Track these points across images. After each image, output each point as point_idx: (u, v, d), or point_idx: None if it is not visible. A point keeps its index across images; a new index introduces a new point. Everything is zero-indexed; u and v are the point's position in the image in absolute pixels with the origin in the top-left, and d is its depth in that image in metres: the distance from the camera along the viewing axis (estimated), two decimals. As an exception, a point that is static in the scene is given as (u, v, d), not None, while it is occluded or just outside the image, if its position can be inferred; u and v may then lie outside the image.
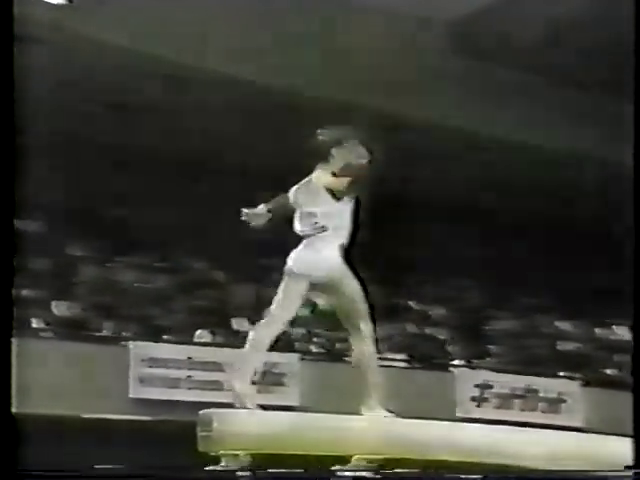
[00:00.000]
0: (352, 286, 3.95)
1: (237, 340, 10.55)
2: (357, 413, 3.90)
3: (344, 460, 3.61)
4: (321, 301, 13.90)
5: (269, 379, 9.56)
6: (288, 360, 9.84)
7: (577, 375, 12.37)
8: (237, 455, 3.49)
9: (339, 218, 3.88)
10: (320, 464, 3.60)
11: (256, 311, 12.53)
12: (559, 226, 14.92)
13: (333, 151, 3.90)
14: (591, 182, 13.93)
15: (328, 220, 3.86)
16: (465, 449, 3.69)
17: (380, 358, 12.31)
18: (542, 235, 15.19)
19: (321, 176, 3.88)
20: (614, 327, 15.00)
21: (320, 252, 3.88)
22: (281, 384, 9.70)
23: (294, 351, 10.30)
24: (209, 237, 12.53)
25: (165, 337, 10.18)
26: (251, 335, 3.98)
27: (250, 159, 13.40)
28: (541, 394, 11.65)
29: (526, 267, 15.00)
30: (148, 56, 11.15)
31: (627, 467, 3.49)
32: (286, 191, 4.00)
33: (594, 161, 13.62)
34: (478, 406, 11.18)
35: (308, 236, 3.91)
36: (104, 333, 9.92)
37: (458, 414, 10.49)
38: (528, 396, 11.58)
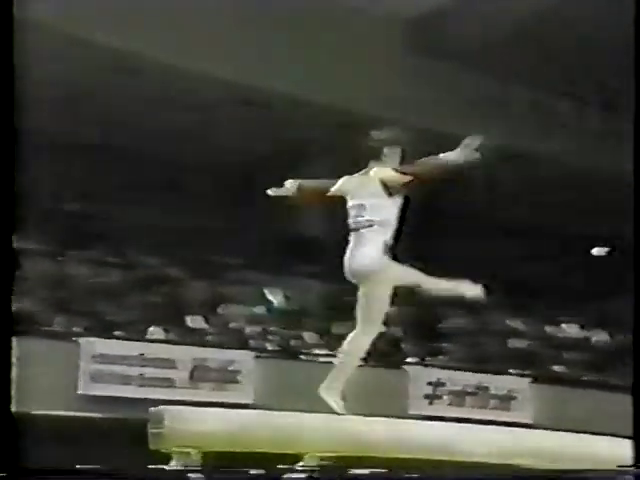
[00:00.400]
0: (384, 287, 4.12)
1: (192, 337, 10.52)
2: (311, 411, 3.90)
3: (297, 458, 3.60)
4: (277, 299, 13.92)
5: (223, 377, 9.51)
6: (243, 358, 9.80)
7: (527, 372, 12.55)
8: (188, 453, 3.46)
9: (387, 213, 3.99)
10: (273, 462, 3.58)
11: (211, 308, 12.51)
12: (508, 222, 15.13)
13: (386, 150, 4.08)
14: (545, 182, 14.15)
15: (376, 213, 3.97)
16: (417, 446, 3.71)
17: (334, 356, 12.31)
18: (492, 232, 15.37)
19: (380, 170, 4.01)
20: (563, 325, 15.26)
21: (363, 249, 4.00)
22: (235, 382, 9.65)
23: (249, 349, 10.26)
24: (164, 233, 12.42)
25: (117, 333, 10.05)
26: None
27: (210, 157, 13.33)
28: (492, 391, 11.79)
29: (478, 264, 15.15)
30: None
31: (621, 466, 3.54)
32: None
33: (547, 160, 13.85)
34: (431, 404, 11.27)
35: (355, 230, 4.03)
36: (54, 328, 9.76)
37: (411, 412, 10.56)
38: (479, 393, 11.70)
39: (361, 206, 3.99)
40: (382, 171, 4.01)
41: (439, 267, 4.57)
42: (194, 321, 10.86)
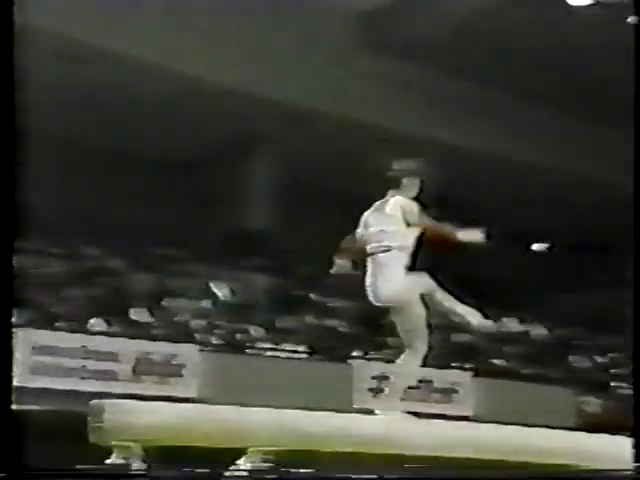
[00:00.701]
0: (416, 308, 4.34)
1: (135, 330, 10.36)
2: (256, 405, 3.88)
3: (240, 453, 3.57)
4: (223, 293, 13.80)
5: (167, 370, 9.40)
6: (187, 351, 9.70)
7: (468, 366, 12.73)
8: (129, 447, 3.41)
9: (405, 240, 4.23)
10: (216, 457, 3.55)
11: (156, 301, 12.34)
12: (447, 217, 15.26)
13: (405, 181, 4.33)
14: (483, 177, 14.33)
15: (395, 239, 4.21)
16: (361, 440, 3.72)
17: (281, 350, 12.27)
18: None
19: (398, 200, 4.27)
20: (504, 319, 15.51)
21: (385, 276, 4.24)
22: (179, 375, 9.55)
23: (193, 342, 10.17)
24: (107, 224, 12.22)
25: (58, 325, 9.85)
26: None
27: (160, 148, 13.17)
28: (435, 385, 11.91)
29: (421, 258, 15.28)
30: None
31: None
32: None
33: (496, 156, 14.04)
34: (375, 397, 11.33)
35: (374, 254, 4.25)
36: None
37: (355, 405, 10.61)
38: (422, 387, 11.81)
39: (381, 232, 4.23)
40: (399, 201, 4.24)
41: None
42: (138, 314, 10.71)
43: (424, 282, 4.35)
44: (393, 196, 4.33)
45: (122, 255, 12.27)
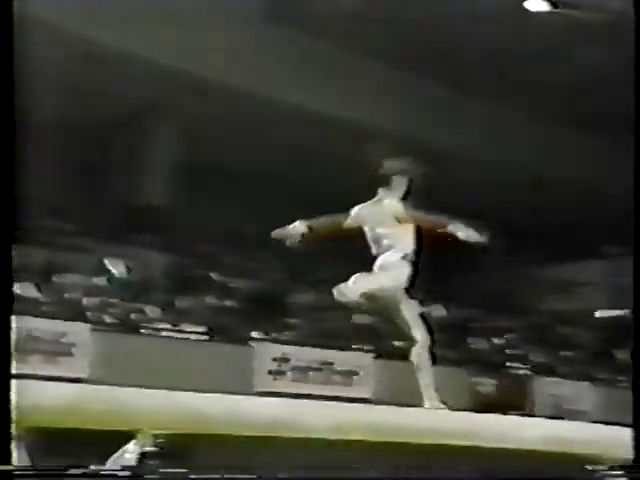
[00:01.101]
0: (407, 301, 4.66)
1: (22, 306, 10.02)
2: (150, 387, 3.82)
3: (131, 435, 3.51)
4: (118, 270, 13.50)
5: (56, 349, 9.17)
6: (78, 330, 9.47)
7: (370, 348, 12.93)
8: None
9: (404, 237, 4.57)
10: (105, 439, 3.48)
11: (45, 276, 11.94)
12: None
13: (395, 179, 4.62)
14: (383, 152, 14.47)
15: (395, 239, 4.56)
16: (257, 423, 3.72)
17: (179, 331, 12.11)
18: (333, 208, 15.62)
19: (389, 202, 4.58)
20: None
21: (388, 271, 4.58)
22: (69, 354, 9.32)
23: (85, 321, 9.93)
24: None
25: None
26: (411, 358, 4.76)
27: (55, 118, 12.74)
28: (336, 367, 12.05)
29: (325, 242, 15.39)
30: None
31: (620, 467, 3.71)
32: None
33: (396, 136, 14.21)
34: (275, 380, 11.38)
35: (380, 255, 4.63)
36: None
37: (256, 388, 10.63)
38: (324, 369, 11.94)
39: (381, 234, 4.59)
40: (391, 203, 4.58)
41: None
42: (24, 288, 10.36)
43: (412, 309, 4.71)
44: (383, 197, 4.64)
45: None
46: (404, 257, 4.59)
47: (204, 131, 13.35)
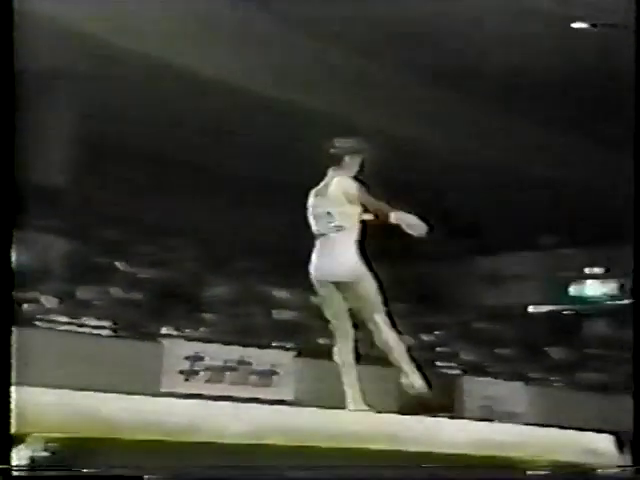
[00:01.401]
0: (369, 282, 4.66)
1: None
2: (44, 385, 3.70)
3: (21, 439, 3.39)
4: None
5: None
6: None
7: (290, 345, 12.92)
8: None
9: (352, 218, 4.66)
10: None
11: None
12: (282, 189, 15.44)
13: (347, 158, 4.74)
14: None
15: (344, 219, 4.64)
16: (164, 427, 3.64)
17: (79, 324, 11.86)
18: (256, 198, 15.61)
19: (339, 181, 4.70)
20: (313, 299, 15.85)
21: (337, 254, 4.64)
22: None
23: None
24: None
25: None
26: (335, 356, 4.85)
27: None
28: (254, 366, 12.00)
29: (243, 229, 15.35)
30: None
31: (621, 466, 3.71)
32: None
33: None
34: (187, 380, 11.26)
35: (324, 235, 4.66)
36: None
37: (165, 389, 10.50)
38: (240, 368, 11.87)
39: (329, 213, 4.66)
40: (340, 182, 4.70)
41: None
42: None
43: (373, 288, 4.70)
44: (334, 176, 4.73)
45: None
46: (355, 243, 4.67)
47: (109, 109, 13.10)
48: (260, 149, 14.80)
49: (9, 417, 3.19)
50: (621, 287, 20.17)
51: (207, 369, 11.52)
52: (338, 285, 4.67)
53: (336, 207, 4.65)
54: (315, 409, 4.33)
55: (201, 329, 12.93)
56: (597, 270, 20.56)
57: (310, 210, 4.76)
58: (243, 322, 13.69)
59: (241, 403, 4.31)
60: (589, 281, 20.65)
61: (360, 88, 14.24)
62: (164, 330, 12.12)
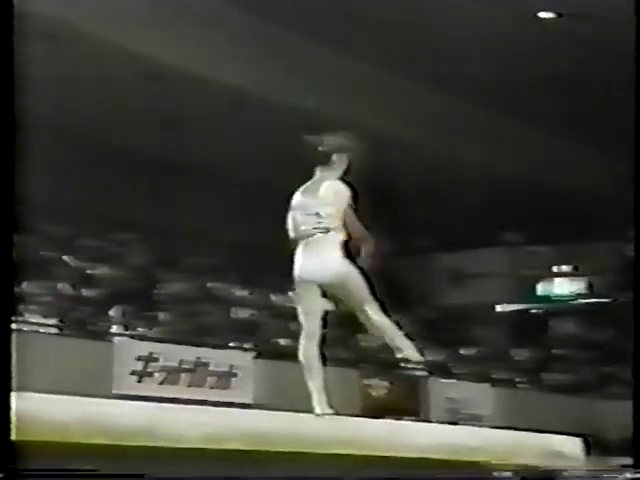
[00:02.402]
0: (356, 279, 4.78)
1: None
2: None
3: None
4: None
5: None
6: None
7: (250, 346, 12.89)
8: None
9: (338, 219, 4.73)
10: None
11: None
12: (242, 185, 15.41)
13: (334, 157, 4.80)
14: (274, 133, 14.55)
15: (332, 220, 4.72)
16: (113, 431, 3.61)
17: (23, 322, 11.70)
18: (223, 191, 15.55)
19: (328, 180, 4.78)
20: (290, 293, 15.83)
21: (323, 255, 4.74)
22: None
23: None
24: None
25: None
26: (299, 357, 4.83)
27: None
28: (211, 367, 11.95)
29: (201, 225, 15.29)
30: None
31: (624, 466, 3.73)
32: None
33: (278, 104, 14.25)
34: (139, 381, 11.18)
35: (309, 236, 4.75)
36: None
37: (115, 391, 10.41)
38: (197, 370, 11.81)
39: (317, 214, 4.74)
40: (330, 183, 4.79)
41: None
42: None
43: (361, 284, 4.83)
44: (323, 175, 4.81)
45: None
46: (341, 244, 4.78)
47: (64, 90, 12.95)
48: (222, 144, 14.74)
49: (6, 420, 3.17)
50: (589, 285, 20.40)
51: (162, 370, 11.45)
52: (323, 286, 4.78)
53: (325, 208, 4.73)
54: (275, 412, 4.32)
55: (155, 328, 12.85)
56: (565, 268, 20.75)
57: (296, 209, 4.81)
58: (200, 321, 13.63)
59: (198, 406, 4.29)
60: (557, 279, 20.84)
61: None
62: (115, 329, 12.03)
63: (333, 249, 4.73)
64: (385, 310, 4.90)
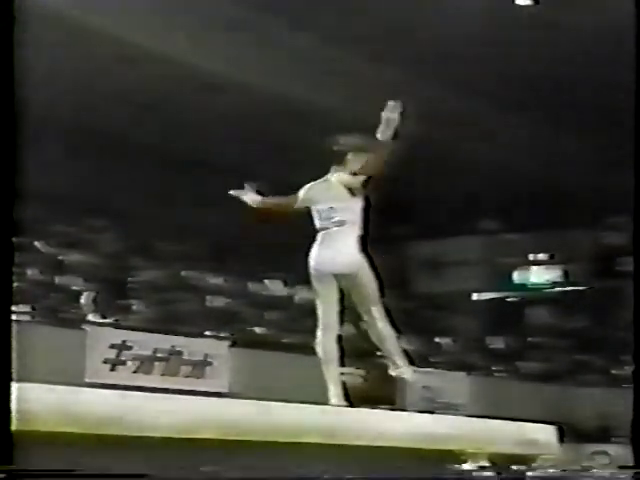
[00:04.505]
0: (368, 275, 4.98)
1: None
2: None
3: None
4: None
5: None
6: None
7: (225, 335, 12.88)
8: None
9: (354, 212, 4.93)
10: None
11: None
12: (220, 171, 15.35)
13: (349, 156, 4.96)
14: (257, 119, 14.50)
15: (346, 213, 4.91)
16: (89, 420, 3.61)
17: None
18: (197, 179, 15.49)
19: (340, 176, 4.96)
20: (266, 281, 15.83)
21: (338, 247, 4.91)
22: None
23: None
24: None
25: None
26: (317, 349, 5.03)
27: None
28: (186, 356, 11.94)
29: (175, 211, 15.23)
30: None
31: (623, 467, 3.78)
32: None
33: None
34: (113, 370, 11.15)
35: (325, 229, 4.92)
36: None
37: (88, 379, 10.38)
38: (171, 358, 11.80)
39: (331, 208, 4.92)
40: (342, 177, 4.96)
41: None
42: None
43: (372, 282, 5.03)
44: (336, 172, 4.98)
45: None
46: (357, 237, 4.95)
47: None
48: (195, 128, 14.68)
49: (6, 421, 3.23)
50: (565, 274, 20.56)
51: (135, 359, 11.42)
52: (337, 277, 4.91)
53: (339, 202, 4.89)
54: (250, 401, 4.33)
55: (129, 316, 12.81)
56: (542, 256, 20.88)
57: (312, 204, 4.97)
58: (174, 309, 13.60)
59: (172, 395, 4.29)
60: (534, 267, 20.97)
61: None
62: (90, 316, 11.98)
63: (348, 241, 4.89)
64: (390, 318, 5.07)
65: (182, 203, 15.51)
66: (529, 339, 19.19)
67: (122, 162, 14.81)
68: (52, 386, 3.76)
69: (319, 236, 4.95)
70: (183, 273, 14.75)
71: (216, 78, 13.75)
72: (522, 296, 21.00)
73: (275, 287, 15.84)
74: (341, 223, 4.89)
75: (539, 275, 20.87)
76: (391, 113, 4.86)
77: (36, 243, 13.10)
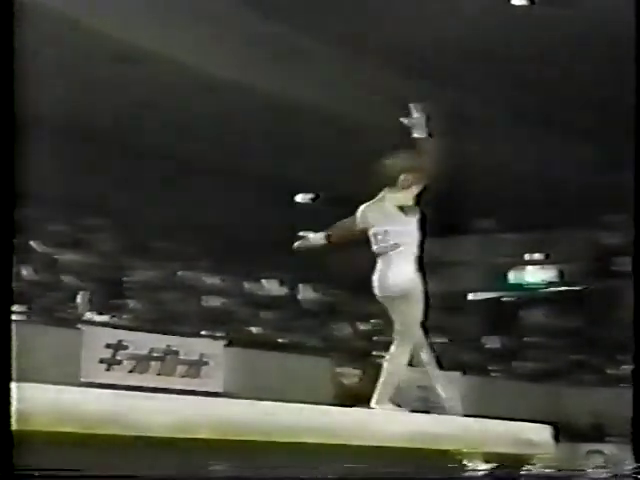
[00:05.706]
0: (414, 300, 5.04)
1: None
2: None
3: None
4: None
5: None
6: None
7: (221, 334, 12.88)
8: None
9: (409, 233, 4.99)
10: None
11: None
12: (218, 172, 15.35)
13: (402, 177, 5.04)
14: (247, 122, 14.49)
15: (400, 236, 4.97)
16: (84, 419, 3.60)
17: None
18: (195, 179, 15.49)
19: (392, 196, 5.02)
20: (263, 281, 15.84)
21: (395, 269, 4.99)
22: None
23: None
24: None
25: None
26: (386, 365, 5.20)
27: None
28: (181, 356, 11.94)
29: (171, 211, 15.22)
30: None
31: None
32: None
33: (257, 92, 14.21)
34: (108, 369, 11.15)
35: (383, 253, 5.00)
36: None
37: (83, 379, 10.38)
38: (167, 358, 11.80)
39: (386, 232, 4.98)
40: (394, 197, 5.04)
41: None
42: None
43: (420, 308, 5.09)
44: (388, 193, 5.06)
45: None
46: (414, 258, 5.01)
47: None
48: (191, 129, 14.68)
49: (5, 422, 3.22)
50: (560, 274, 20.58)
51: (131, 358, 11.42)
52: (393, 298, 5.05)
53: (393, 225, 4.98)
54: (246, 401, 4.32)
55: (125, 316, 12.80)
56: (537, 256, 20.90)
57: (369, 227, 5.05)
58: (170, 309, 13.60)
59: (168, 394, 4.28)
60: (529, 267, 20.98)
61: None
62: (84, 316, 11.97)
63: (402, 265, 4.97)
64: (434, 351, 5.29)
65: (178, 203, 15.50)
66: (525, 339, 19.21)
67: (118, 162, 14.81)
68: (48, 386, 3.75)
69: (378, 261, 5.04)
70: (179, 273, 14.74)
71: (215, 79, 13.75)
72: (518, 296, 21.02)
73: (271, 287, 15.84)
74: (396, 246, 4.96)
75: (535, 275, 20.88)
76: (412, 116, 5.09)
77: (32, 243, 13.09)
